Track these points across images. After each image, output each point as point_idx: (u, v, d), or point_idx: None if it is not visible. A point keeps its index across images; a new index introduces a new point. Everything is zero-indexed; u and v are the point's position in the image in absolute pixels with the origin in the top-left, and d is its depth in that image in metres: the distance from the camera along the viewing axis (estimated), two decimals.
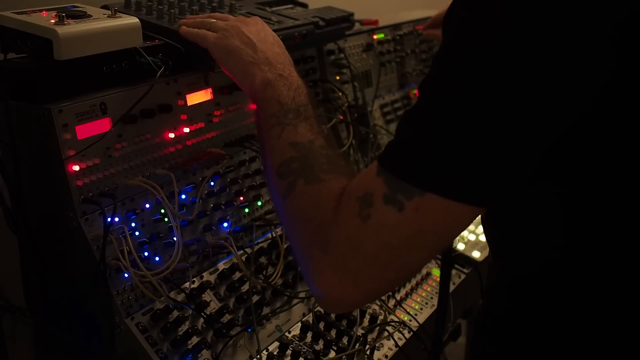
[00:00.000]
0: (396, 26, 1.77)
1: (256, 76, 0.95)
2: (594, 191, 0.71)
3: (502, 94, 0.64)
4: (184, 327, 1.03)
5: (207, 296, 1.10)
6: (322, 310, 1.20)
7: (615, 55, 0.63)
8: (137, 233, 1.05)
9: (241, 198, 1.22)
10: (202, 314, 1.06)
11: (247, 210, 1.23)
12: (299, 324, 1.17)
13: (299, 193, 0.78)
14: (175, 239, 1.06)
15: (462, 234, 1.52)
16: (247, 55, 0.98)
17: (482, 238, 1.55)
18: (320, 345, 1.14)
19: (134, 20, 1.04)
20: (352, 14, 1.48)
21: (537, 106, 0.64)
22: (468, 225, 0.71)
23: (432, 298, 1.34)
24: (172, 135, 1.12)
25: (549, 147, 0.66)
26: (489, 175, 0.66)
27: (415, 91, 1.80)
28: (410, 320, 1.25)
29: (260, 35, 1.02)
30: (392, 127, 1.68)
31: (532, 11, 0.62)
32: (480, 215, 0.73)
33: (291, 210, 0.80)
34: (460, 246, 1.47)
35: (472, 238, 1.55)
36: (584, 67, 0.63)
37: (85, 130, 0.98)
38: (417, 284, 1.36)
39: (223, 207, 1.18)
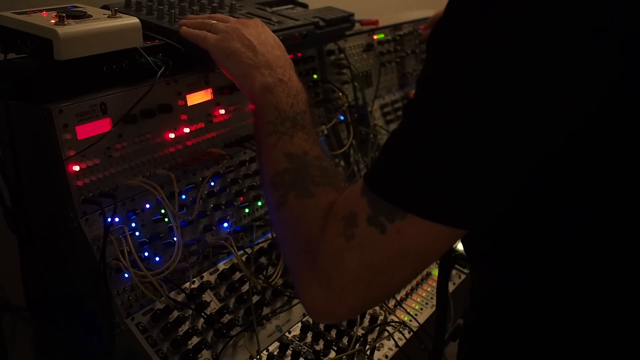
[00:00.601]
0: (396, 26, 1.77)
1: (256, 80, 0.95)
2: (592, 198, 0.70)
3: (484, 117, 0.63)
4: (184, 327, 1.03)
5: (207, 296, 1.10)
6: None
7: (616, 64, 0.63)
8: (137, 233, 1.05)
9: (241, 198, 1.22)
10: (202, 314, 1.06)
11: (247, 210, 1.23)
12: (299, 324, 1.17)
13: (290, 207, 0.79)
14: (175, 239, 1.06)
15: None
16: (247, 58, 0.98)
17: None
18: (320, 346, 1.14)
19: (134, 20, 1.04)
20: (352, 14, 1.48)
21: (519, 129, 0.63)
22: (451, 245, 0.71)
23: (432, 298, 1.34)
24: (172, 135, 1.12)
25: (533, 169, 0.66)
26: (470, 198, 0.66)
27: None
28: (410, 320, 1.25)
29: (261, 37, 1.02)
30: (392, 127, 1.68)
31: (516, 33, 0.61)
32: None
33: (282, 223, 0.81)
34: (460, 246, 1.47)
35: None
36: (572, 93, 0.62)
37: (86, 131, 0.98)
38: (417, 284, 1.37)
39: (223, 207, 1.18)
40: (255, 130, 0.94)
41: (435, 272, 1.41)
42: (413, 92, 1.78)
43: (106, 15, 1.03)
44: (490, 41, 0.62)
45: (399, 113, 1.72)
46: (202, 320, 1.06)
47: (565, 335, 0.77)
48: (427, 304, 1.32)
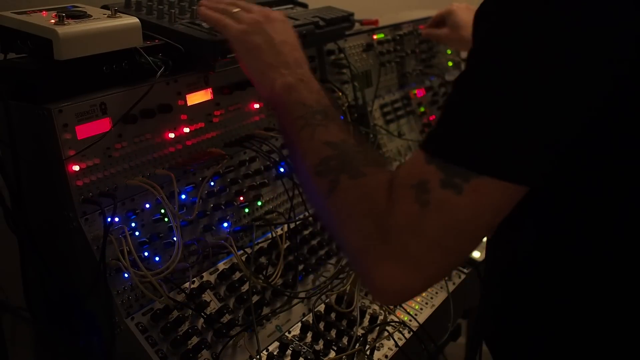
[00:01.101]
0: (396, 26, 1.77)
1: (276, 80, 0.94)
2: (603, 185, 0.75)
3: (542, 78, 0.67)
4: (184, 327, 1.03)
5: (207, 296, 1.10)
6: (322, 310, 1.20)
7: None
8: (137, 233, 1.05)
9: (241, 198, 1.22)
10: (202, 314, 1.06)
11: (247, 210, 1.23)
12: (299, 324, 1.17)
13: (345, 188, 0.78)
14: (175, 239, 1.06)
15: None
16: (267, 56, 0.97)
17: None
18: (320, 345, 1.14)
19: (134, 20, 1.04)
20: (352, 14, 1.48)
21: (576, 82, 0.67)
22: (515, 204, 0.73)
23: (432, 298, 1.34)
24: (172, 135, 1.12)
25: (589, 120, 0.69)
26: (534, 156, 0.69)
27: (416, 91, 1.80)
28: (410, 320, 1.25)
29: (283, 35, 1.00)
30: (392, 127, 1.68)
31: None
32: None
33: (338, 206, 0.79)
34: None
35: None
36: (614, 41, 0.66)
37: (85, 130, 0.98)
38: None
39: (223, 207, 1.18)
40: (283, 128, 0.93)
41: None
42: (413, 92, 1.79)
43: (106, 15, 1.03)
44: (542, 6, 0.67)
45: (399, 113, 1.72)
46: (202, 320, 1.06)
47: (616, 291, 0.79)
48: (427, 304, 1.32)
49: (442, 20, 1.74)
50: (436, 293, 1.36)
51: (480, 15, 0.74)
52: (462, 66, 2.01)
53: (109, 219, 0.98)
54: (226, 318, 1.09)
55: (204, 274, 1.12)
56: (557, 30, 0.66)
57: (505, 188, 0.69)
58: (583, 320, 0.82)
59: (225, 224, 1.18)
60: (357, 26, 1.62)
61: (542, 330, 0.85)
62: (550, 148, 0.70)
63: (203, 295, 1.09)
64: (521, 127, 0.68)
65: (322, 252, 1.30)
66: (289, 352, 1.11)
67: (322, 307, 1.21)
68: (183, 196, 1.12)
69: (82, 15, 1.01)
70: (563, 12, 0.66)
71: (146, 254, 1.05)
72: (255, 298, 1.13)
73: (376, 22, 1.74)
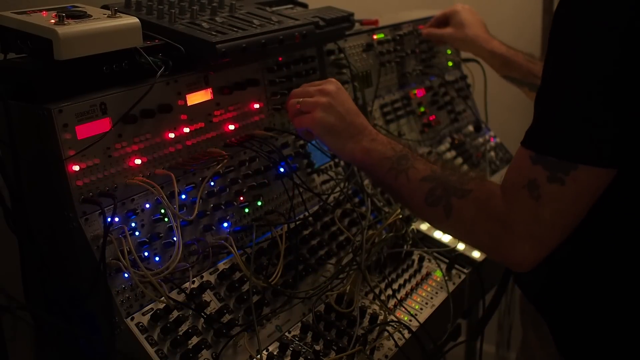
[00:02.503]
0: (396, 26, 1.77)
1: (355, 149, 1.12)
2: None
3: (603, 68, 0.85)
4: (184, 327, 1.03)
5: (207, 296, 1.10)
6: (322, 310, 1.20)
7: None
8: (137, 233, 1.05)
9: (241, 198, 1.22)
10: (202, 314, 1.06)
11: (247, 210, 1.23)
12: (299, 324, 1.17)
13: (460, 208, 0.97)
14: (175, 239, 1.06)
15: None
16: (343, 130, 1.13)
17: None
18: (320, 345, 1.14)
19: (134, 20, 1.04)
20: (352, 14, 1.48)
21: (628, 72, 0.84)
22: (607, 184, 0.90)
23: (432, 298, 1.34)
24: (172, 135, 1.12)
25: None
26: (617, 140, 0.87)
27: (416, 91, 1.80)
28: (410, 320, 1.25)
29: (346, 104, 1.16)
30: (392, 127, 1.68)
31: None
32: None
33: (460, 224, 0.99)
34: (460, 246, 1.47)
35: None
36: None
37: (85, 130, 0.99)
38: (417, 284, 1.37)
39: (223, 207, 1.18)
40: (376, 181, 1.15)
41: (436, 272, 1.41)
42: (413, 92, 1.79)
43: (106, 15, 1.03)
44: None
45: (399, 113, 1.71)
46: (202, 320, 1.06)
47: None
48: (427, 304, 1.32)
49: (444, 20, 1.74)
50: (436, 293, 1.36)
51: (557, 22, 0.90)
52: (462, 66, 2.01)
53: (109, 219, 0.98)
54: (226, 318, 1.09)
55: (204, 274, 1.12)
56: (606, 37, 0.84)
57: (597, 172, 0.87)
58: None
59: (225, 224, 1.18)
60: (357, 26, 1.62)
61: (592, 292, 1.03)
62: (622, 130, 0.86)
63: (203, 295, 1.09)
64: (600, 119, 0.86)
65: (322, 252, 1.30)
66: (289, 352, 1.11)
67: (322, 307, 1.21)
68: (183, 196, 1.12)
69: (82, 15, 1.01)
70: (609, 22, 0.84)
71: (146, 254, 1.05)
72: (255, 298, 1.13)
73: (376, 22, 1.74)
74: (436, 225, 1.13)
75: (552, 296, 1.11)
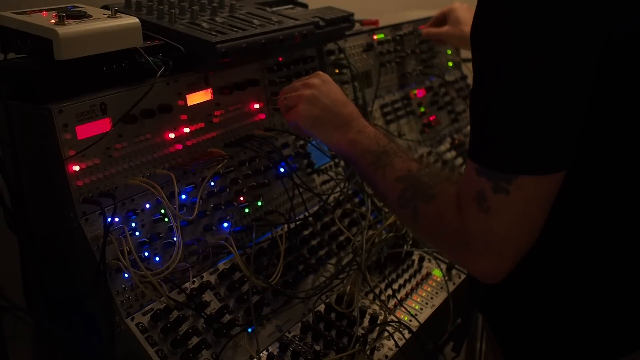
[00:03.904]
0: (396, 26, 1.77)
1: (340, 140, 1.11)
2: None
3: (542, 70, 0.79)
4: (184, 327, 1.03)
5: (207, 296, 1.10)
6: (322, 310, 1.20)
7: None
8: (137, 233, 1.05)
9: (241, 198, 1.22)
10: (202, 314, 1.06)
11: (247, 210, 1.23)
12: (299, 324, 1.17)
13: (424, 215, 0.95)
14: (175, 239, 1.06)
15: None
16: (327, 122, 1.13)
17: None
18: (320, 345, 1.14)
19: (134, 20, 1.04)
20: (352, 14, 1.47)
21: (568, 72, 0.80)
22: (559, 186, 0.86)
23: (432, 298, 1.34)
24: (172, 135, 1.12)
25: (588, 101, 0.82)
26: (560, 147, 0.83)
27: (416, 91, 1.80)
28: (410, 320, 1.25)
29: (332, 96, 1.15)
30: (392, 127, 1.68)
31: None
32: None
33: (425, 229, 0.99)
34: None
35: None
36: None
37: (86, 131, 0.99)
38: (417, 284, 1.37)
39: (223, 207, 1.18)
40: (359, 173, 1.14)
41: (435, 272, 1.41)
42: (413, 92, 1.79)
43: (106, 15, 1.03)
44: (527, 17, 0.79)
45: (399, 113, 1.71)
46: (202, 320, 1.06)
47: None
48: (427, 304, 1.32)
49: (442, 19, 1.74)
50: (436, 293, 1.36)
51: (476, 28, 0.86)
52: (462, 66, 2.01)
53: (109, 219, 0.98)
54: (226, 318, 1.09)
55: (204, 274, 1.12)
56: (544, 35, 0.78)
57: (540, 180, 0.83)
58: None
59: (226, 224, 1.18)
60: (357, 26, 1.62)
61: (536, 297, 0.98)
62: (565, 135, 0.82)
63: (203, 295, 1.09)
64: (535, 126, 0.81)
65: (322, 252, 1.30)
66: (289, 352, 1.11)
67: (322, 307, 1.21)
68: (183, 196, 1.12)
69: (82, 16, 1.01)
70: (545, 17, 0.78)
71: (146, 254, 1.05)
72: (255, 298, 1.13)
73: (376, 22, 1.74)
74: (407, 227, 1.14)
75: (497, 306, 1.06)
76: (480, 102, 0.86)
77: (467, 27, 1.66)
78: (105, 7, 1.08)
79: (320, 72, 1.20)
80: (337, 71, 1.54)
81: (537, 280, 0.97)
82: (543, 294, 0.98)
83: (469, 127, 1.96)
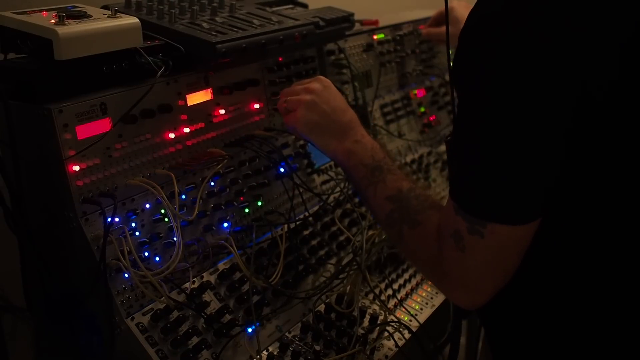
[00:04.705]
0: (396, 26, 1.77)
1: (337, 149, 1.11)
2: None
3: (517, 124, 0.80)
4: (184, 327, 1.03)
5: (207, 296, 1.10)
6: (322, 310, 1.20)
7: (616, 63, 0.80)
8: (137, 233, 1.05)
9: (241, 198, 1.22)
10: (202, 314, 1.06)
11: (247, 210, 1.23)
12: (299, 324, 1.17)
13: (407, 238, 0.98)
14: (175, 239, 1.06)
15: None
16: (326, 129, 1.13)
17: None
18: (320, 345, 1.14)
19: (134, 20, 1.04)
20: (352, 14, 1.47)
21: (543, 123, 0.80)
22: (535, 229, 0.87)
23: (432, 298, 1.34)
24: (172, 135, 1.12)
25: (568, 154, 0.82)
26: (531, 198, 0.84)
27: (416, 91, 1.80)
28: (410, 321, 1.25)
29: (332, 102, 1.15)
30: (392, 127, 1.68)
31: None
32: None
33: (407, 252, 1.04)
34: None
35: None
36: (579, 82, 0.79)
37: (86, 131, 0.98)
38: (417, 284, 1.37)
39: (223, 207, 1.18)
40: (352, 184, 1.14)
41: None
42: (413, 92, 1.79)
43: (106, 15, 1.03)
44: (504, 63, 0.80)
45: (399, 113, 1.71)
46: (202, 320, 1.06)
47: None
48: (427, 304, 1.32)
49: (441, 19, 1.74)
50: (436, 293, 1.36)
51: (455, 72, 0.89)
52: None
53: (109, 219, 0.98)
54: (226, 318, 1.09)
55: (204, 274, 1.12)
56: (519, 88, 0.79)
57: (512, 229, 0.84)
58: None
59: (226, 224, 1.18)
60: (357, 26, 1.62)
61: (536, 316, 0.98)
62: (537, 187, 0.83)
63: (203, 295, 1.09)
64: (508, 175, 0.82)
65: (322, 252, 1.30)
66: (289, 352, 1.11)
67: (322, 307, 1.21)
68: (183, 196, 1.12)
69: (82, 16, 1.01)
70: (521, 71, 0.79)
71: (146, 254, 1.05)
72: (255, 298, 1.13)
73: (376, 22, 1.74)
74: (392, 241, 1.15)
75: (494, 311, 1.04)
76: (458, 144, 0.88)
77: None
78: (105, 7, 1.08)
79: (322, 77, 1.20)
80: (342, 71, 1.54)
81: (534, 294, 0.96)
82: (540, 308, 0.97)
83: None
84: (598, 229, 0.89)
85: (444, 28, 1.72)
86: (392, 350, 1.18)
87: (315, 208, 1.35)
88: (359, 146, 1.09)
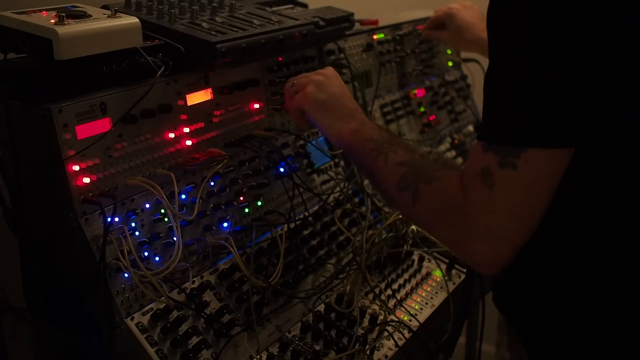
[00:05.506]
0: (396, 26, 1.77)
1: (343, 128, 1.10)
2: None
3: (551, 51, 0.81)
4: (184, 327, 1.03)
5: (207, 296, 1.10)
6: (322, 310, 1.20)
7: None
8: (137, 233, 1.05)
9: (241, 198, 1.22)
10: (202, 314, 1.06)
11: (247, 210, 1.23)
12: (299, 324, 1.17)
13: (425, 194, 0.93)
14: (175, 239, 1.06)
15: None
16: (334, 109, 1.13)
17: None
18: (320, 345, 1.14)
19: (134, 20, 1.04)
20: (352, 14, 1.47)
21: (579, 56, 0.82)
22: (566, 165, 0.85)
23: (432, 298, 1.34)
24: (172, 135, 1.12)
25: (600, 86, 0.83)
26: (568, 121, 0.83)
27: (416, 91, 1.80)
28: (410, 320, 1.25)
29: (339, 88, 1.16)
30: (392, 127, 1.68)
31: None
32: None
33: (424, 210, 0.95)
34: None
35: None
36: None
37: (85, 130, 0.98)
38: (417, 284, 1.37)
39: (223, 207, 1.18)
40: (359, 163, 1.10)
41: (436, 272, 1.41)
42: (413, 92, 1.79)
43: (106, 15, 1.03)
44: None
45: (399, 113, 1.71)
46: (202, 320, 1.06)
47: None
48: (427, 304, 1.32)
49: (441, 23, 1.74)
50: (436, 293, 1.36)
51: (491, 15, 0.87)
52: (462, 66, 2.01)
53: (109, 219, 0.98)
54: (226, 318, 1.09)
55: (204, 274, 1.12)
56: (556, 17, 0.81)
57: (549, 154, 0.83)
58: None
59: (225, 224, 1.18)
60: (357, 26, 1.62)
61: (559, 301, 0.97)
62: (575, 110, 0.83)
63: (203, 295, 1.09)
64: (545, 100, 0.82)
65: (322, 252, 1.30)
66: (289, 352, 1.11)
67: (322, 307, 1.21)
68: (183, 196, 1.12)
69: (82, 15, 1.01)
70: (553, 10, 0.81)
71: (146, 254, 1.05)
72: (255, 298, 1.13)
73: (376, 22, 1.74)
74: (404, 213, 1.10)
75: (528, 316, 1.06)
76: (495, 83, 0.87)
77: (469, 34, 1.65)
78: (105, 7, 1.08)
79: (331, 68, 1.22)
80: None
81: (561, 285, 0.96)
82: (569, 298, 0.97)
83: (469, 127, 1.97)
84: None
85: (443, 34, 1.73)
86: (392, 350, 1.18)
87: (315, 208, 1.35)
88: (365, 127, 1.09)
